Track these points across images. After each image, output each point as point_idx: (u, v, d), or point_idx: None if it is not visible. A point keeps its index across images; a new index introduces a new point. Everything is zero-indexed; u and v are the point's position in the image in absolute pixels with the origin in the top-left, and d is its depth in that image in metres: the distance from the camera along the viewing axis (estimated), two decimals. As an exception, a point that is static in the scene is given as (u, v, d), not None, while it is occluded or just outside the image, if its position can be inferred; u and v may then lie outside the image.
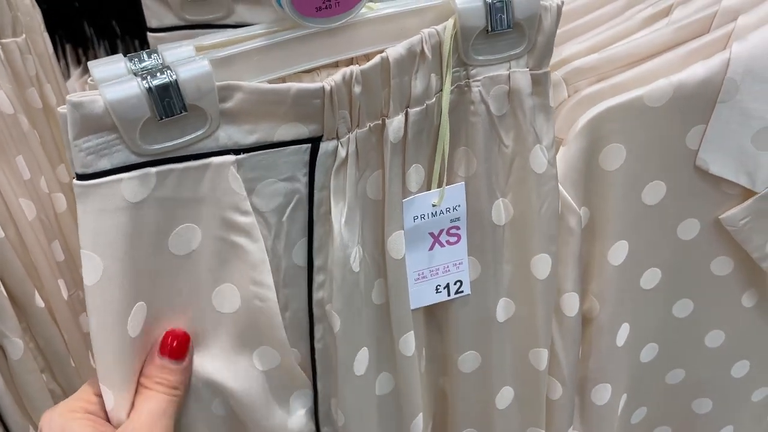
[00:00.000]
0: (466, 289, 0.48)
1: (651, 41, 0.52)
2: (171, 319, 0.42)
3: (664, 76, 0.48)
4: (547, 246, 0.47)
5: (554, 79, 0.53)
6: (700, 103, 0.47)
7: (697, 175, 0.50)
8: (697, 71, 0.47)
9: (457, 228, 0.46)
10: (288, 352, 0.43)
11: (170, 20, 0.61)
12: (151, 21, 0.62)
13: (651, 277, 0.55)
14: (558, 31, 0.59)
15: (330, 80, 0.38)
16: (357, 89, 0.39)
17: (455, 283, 0.48)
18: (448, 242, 0.47)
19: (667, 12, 0.56)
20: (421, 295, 0.47)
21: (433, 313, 0.51)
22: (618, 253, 0.52)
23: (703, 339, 0.59)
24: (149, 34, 0.62)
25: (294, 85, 0.38)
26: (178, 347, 0.41)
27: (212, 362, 0.43)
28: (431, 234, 0.46)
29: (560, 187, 0.48)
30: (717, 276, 0.55)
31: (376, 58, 0.39)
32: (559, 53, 0.55)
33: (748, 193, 0.50)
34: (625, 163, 0.49)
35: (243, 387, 0.43)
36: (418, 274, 0.47)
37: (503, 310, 0.50)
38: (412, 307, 0.47)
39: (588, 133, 0.48)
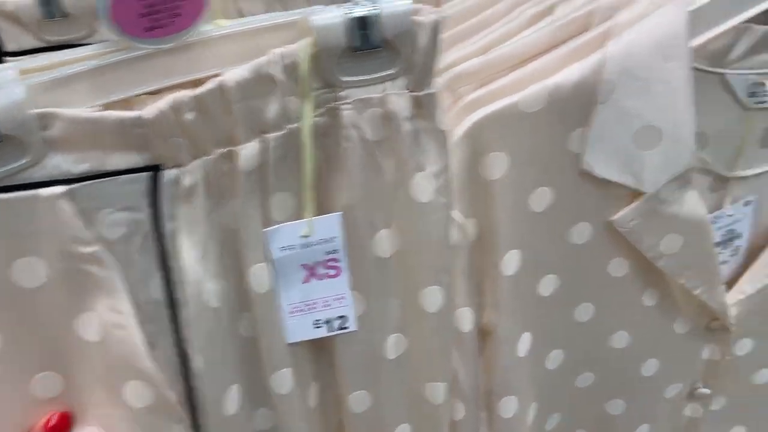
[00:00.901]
0: (352, 325, 0.46)
1: (531, 42, 0.50)
2: (38, 353, 0.40)
3: (543, 79, 0.47)
4: (437, 278, 0.45)
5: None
6: (578, 105, 0.46)
7: (584, 178, 0.48)
8: (572, 73, 0.45)
9: (336, 261, 0.43)
10: (162, 385, 0.40)
11: (29, 42, 0.57)
12: (9, 44, 0.57)
13: (548, 284, 0.53)
14: (446, 34, 0.58)
15: (154, 107, 0.35)
16: (190, 116, 0.36)
17: (338, 319, 0.45)
18: (326, 275, 0.44)
19: (551, 10, 0.54)
20: (298, 329, 0.44)
21: (323, 348, 0.48)
22: (510, 262, 0.50)
23: (608, 341, 0.58)
24: (7, 59, 0.57)
25: (111, 114, 0.35)
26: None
27: (88, 397, 0.41)
28: (305, 266, 0.43)
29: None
30: (615, 277, 0.54)
31: (212, 82, 0.36)
32: (445, 58, 0.53)
33: (636, 194, 0.49)
34: (508, 171, 0.47)
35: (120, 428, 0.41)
36: (293, 308, 0.44)
37: (394, 346, 0.47)
38: (289, 341, 0.44)
39: (467, 143, 0.46)
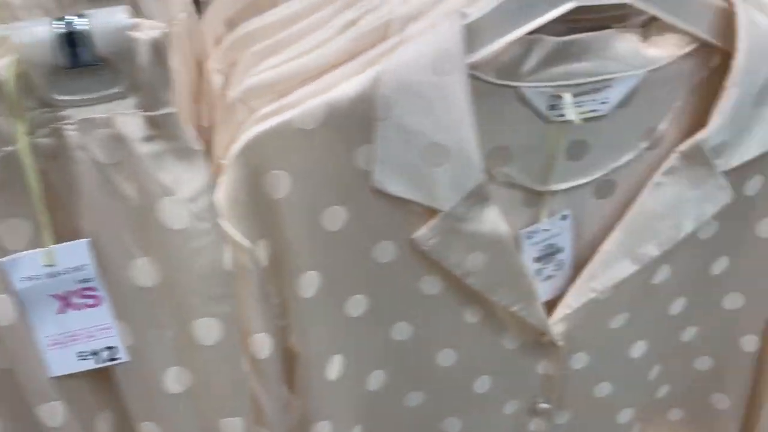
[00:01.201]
0: (123, 355, 0.43)
1: (328, 54, 0.48)
2: None
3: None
4: (209, 308, 0.43)
5: (228, 102, 0.48)
6: (359, 122, 0.44)
7: (379, 196, 0.47)
8: (349, 89, 0.43)
9: (92, 290, 0.41)
10: None
11: None
12: None
13: (356, 305, 0.51)
14: (261, 46, 0.55)
15: None
16: None
17: (106, 350, 0.42)
18: (84, 305, 0.41)
19: (365, 17, 0.53)
20: (61, 361, 0.42)
21: (108, 378, 0.45)
22: (307, 284, 0.48)
23: (434, 359, 0.56)
24: None
25: None
26: None
27: None
28: (56, 296, 0.40)
29: (227, 224, 0.43)
30: (429, 295, 0.52)
31: None
32: (256, 69, 0.50)
33: (434, 211, 0.47)
34: (292, 190, 0.45)
35: None
36: (51, 340, 0.41)
37: (176, 379, 0.45)
38: (54, 374, 0.42)
39: (244, 163, 0.43)
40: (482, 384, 0.59)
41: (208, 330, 0.43)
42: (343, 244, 0.48)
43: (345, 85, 0.43)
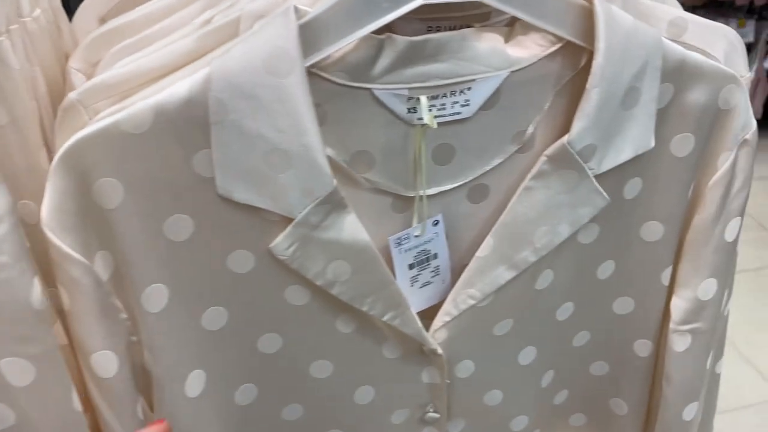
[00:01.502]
0: None
1: (175, 53, 0.46)
2: None
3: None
4: (15, 349, 0.40)
5: (65, 104, 0.46)
6: (193, 125, 0.41)
7: (227, 204, 0.44)
8: (179, 90, 0.41)
9: None
10: None
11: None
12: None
13: (215, 317, 0.49)
14: (121, 45, 0.53)
15: None
16: None
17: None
18: None
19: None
20: None
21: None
22: (154, 298, 0.46)
23: (308, 371, 0.54)
24: None
25: None
26: None
27: None
28: None
29: (52, 236, 0.41)
30: (296, 306, 0.50)
31: None
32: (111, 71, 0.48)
33: (289, 219, 0.45)
34: (126, 199, 0.42)
35: None
36: None
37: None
38: None
39: (67, 170, 0.40)
40: (365, 394, 0.57)
41: (20, 371, 0.40)
42: (192, 255, 0.46)
43: (174, 87, 0.40)
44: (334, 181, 0.43)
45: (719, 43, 0.54)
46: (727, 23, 2.37)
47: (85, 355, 0.44)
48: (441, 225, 0.52)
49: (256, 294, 0.49)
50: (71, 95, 0.45)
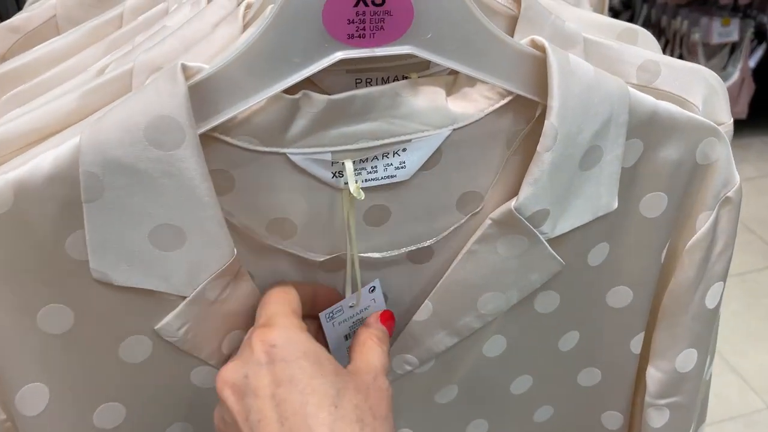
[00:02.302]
0: None
1: (56, 110, 0.39)
2: None
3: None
4: None
5: None
6: (63, 204, 0.34)
7: (108, 288, 0.37)
8: (42, 164, 0.33)
9: None
10: None
11: None
12: None
13: (109, 415, 0.42)
14: (16, 91, 0.46)
15: None
16: None
17: None
18: None
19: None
20: None
21: None
22: (30, 400, 0.39)
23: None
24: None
25: None
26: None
27: None
28: None
29: None
30: (206, 389, 0.43)
31: None
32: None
33: (181, 297, 0.38)
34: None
35: None
36: None
37: None
38: None
39: None
40: None
41: None
42: (76, 348, 0.39)
43: (38, 160, 0.33)
44: (235, 251, 0.37)
45: (697, 87, 0.47)
46: (711, 21, 2.30)
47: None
48: (378, 290, 0.45)
49: (157, 382, 0.42)
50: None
